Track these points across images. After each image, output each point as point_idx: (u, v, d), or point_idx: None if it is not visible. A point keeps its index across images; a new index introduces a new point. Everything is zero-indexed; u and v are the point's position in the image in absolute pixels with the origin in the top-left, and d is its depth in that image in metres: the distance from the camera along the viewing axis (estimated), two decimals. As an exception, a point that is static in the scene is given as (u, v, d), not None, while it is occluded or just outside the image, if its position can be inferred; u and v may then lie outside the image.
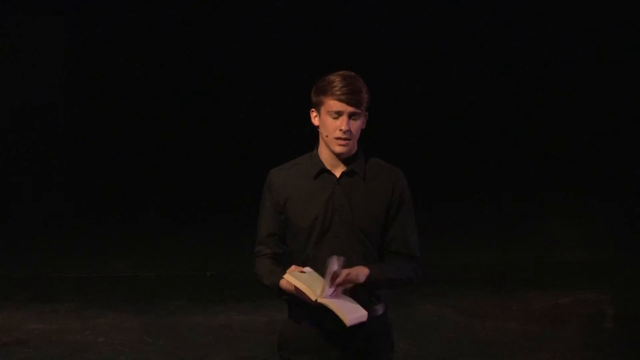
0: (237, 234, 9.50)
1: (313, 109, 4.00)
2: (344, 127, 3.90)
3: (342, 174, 3.99)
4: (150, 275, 9.31)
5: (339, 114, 3.91)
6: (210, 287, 8.88)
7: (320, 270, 3.84)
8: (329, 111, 3.92)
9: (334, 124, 3.92)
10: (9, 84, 11.48)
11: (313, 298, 3.77)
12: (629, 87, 11.17)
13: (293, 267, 3.90)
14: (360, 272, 3.85)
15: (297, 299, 3.85)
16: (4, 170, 11.38)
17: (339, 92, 3.89)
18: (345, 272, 3.81)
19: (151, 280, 9.15)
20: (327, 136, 3.95)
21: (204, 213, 10.88)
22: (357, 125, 3.92)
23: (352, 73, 3.97)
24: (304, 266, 3.91)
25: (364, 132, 4.01)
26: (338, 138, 3.92)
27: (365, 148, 4.06)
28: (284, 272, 3.90)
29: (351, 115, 3.90)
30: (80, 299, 8.49)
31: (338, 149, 3.94)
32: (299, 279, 3.82)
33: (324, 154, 3.99)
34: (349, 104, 3.89)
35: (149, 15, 11.27)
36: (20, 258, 9.70)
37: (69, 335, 7.55)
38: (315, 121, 4.00)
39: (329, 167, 3.99)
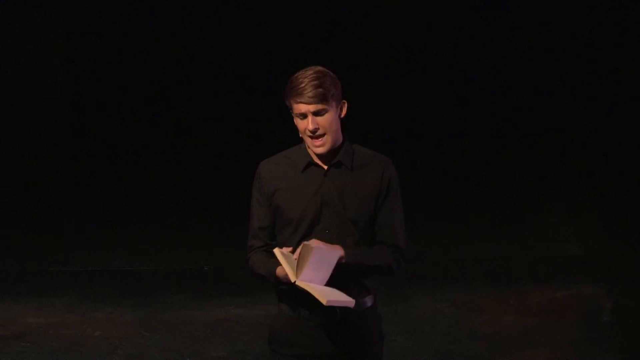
0: (235, 227, 9.48)
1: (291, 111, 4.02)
2: (310, 127, 3.89)
3: (329, 166, 3.99)
4: (147, 269, 9.31)
5: (303, 115, 3.91)
6: (207, 281, 8.88)
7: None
8: (296, 113, 3.94)
9: (302, 124, 3.93)
10: (8, 79, 11.47)
11: (292, 279, 3.77)
12: (626, 81, 11.16)
13: (284, 248, 3.91)
14: (335, 249, 3.84)
15: (292, 288, 3.84)
16: (1, 164, 11.36)
17: (299, 94, 3.88)
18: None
19: (148, 274, 9.15)
20: (302, 137, 3.97)
21: (202, 207, 10.87)
22: (327, 119, 3.90)
23: (316, 68, 3.93)
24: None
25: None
26: (310, 137, 3.93)
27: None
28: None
29: (316, 113, 3.89)
30: (77, 293, 8.49)
31: (316, 150, 3.95)
32: (284, 258, 3.83)
33: (310, 149, 4.00)
34: (309, 103, 3.88)
35: (147, 9, 11.26)
36: (17, 252, 9.70)
37: (66, 329, 7.55)
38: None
39: (316, 161, 4.00)
